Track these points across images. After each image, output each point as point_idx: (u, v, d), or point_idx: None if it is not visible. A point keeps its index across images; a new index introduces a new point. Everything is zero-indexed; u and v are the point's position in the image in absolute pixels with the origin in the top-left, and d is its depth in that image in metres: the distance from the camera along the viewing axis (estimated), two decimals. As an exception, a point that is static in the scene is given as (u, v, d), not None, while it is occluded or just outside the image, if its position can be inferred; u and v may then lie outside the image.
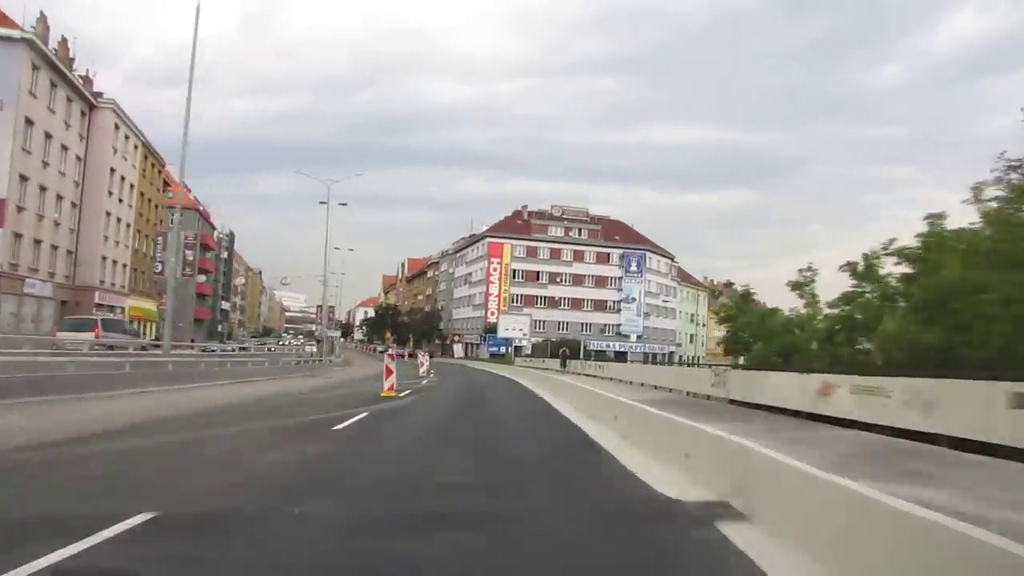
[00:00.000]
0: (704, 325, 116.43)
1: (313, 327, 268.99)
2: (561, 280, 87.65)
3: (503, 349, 69.01)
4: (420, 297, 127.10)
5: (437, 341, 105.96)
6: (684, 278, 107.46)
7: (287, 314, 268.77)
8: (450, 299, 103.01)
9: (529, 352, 63.65)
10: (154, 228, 59.30)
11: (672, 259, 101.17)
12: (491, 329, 71.61)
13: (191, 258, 65.72)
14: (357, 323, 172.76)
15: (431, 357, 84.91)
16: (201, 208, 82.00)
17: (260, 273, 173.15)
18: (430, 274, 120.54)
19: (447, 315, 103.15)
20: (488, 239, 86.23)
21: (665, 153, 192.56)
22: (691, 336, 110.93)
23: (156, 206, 59.79)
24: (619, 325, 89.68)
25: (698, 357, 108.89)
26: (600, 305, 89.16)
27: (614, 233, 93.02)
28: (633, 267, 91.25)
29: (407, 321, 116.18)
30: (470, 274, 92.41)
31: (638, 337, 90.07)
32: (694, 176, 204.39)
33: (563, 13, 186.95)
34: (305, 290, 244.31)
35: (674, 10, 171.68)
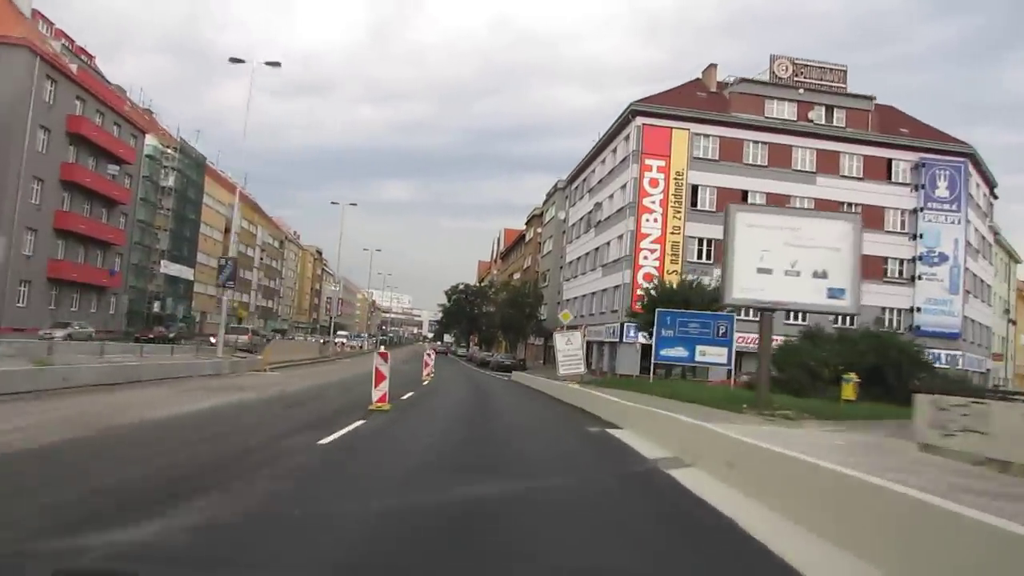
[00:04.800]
0: (1015, 322, 65.59)
1: (414, 330, 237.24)
2: (793, 210, 40.99)
3: (694, 354, 23.36)
4: (516, 276, 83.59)
5: (537, 340, 61.72)
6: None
7: (387, 315, 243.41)
8: (559, 265, 58.54)
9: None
10: None
11: (993, 189, 51.75)
12: (661, 300, 26.20)
13: None
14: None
15: (513, 369, 41.55)
16: (57, 55, 41.96)
17: (320, 253, 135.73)
18: (530, 235, 76.51)
19: (552, 294, 58.67)
20: (641, 120, 40.99)
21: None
22: (1002, 340, 60.70)
23: None
24: (915, 311, 42.06)
25: (1006, 381, 59.21)
26: (873, 268, 41.70)
27: (896, 124, 45.35)
28: (942, 190, 43.34)
29: (491, 311, 73.09)
30: (599, 207, 47.30)
31: (953, 336, 42.34)
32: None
33: (694, 18, 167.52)
34: (412, 291, 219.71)
35: (810, 12, 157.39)
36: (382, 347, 40.32)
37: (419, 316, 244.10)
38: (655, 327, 23.33)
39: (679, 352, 23.37)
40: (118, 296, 49.46)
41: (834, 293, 15.44)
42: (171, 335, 43.83)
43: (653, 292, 28.53)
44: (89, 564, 3.57)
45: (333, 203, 48.51)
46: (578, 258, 52.14)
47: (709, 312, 23.74)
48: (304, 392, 17.06)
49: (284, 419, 11.40)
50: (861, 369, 22.17)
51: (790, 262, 15.49)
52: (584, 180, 52.99)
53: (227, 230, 75.63)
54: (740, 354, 26.39)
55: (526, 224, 79.80)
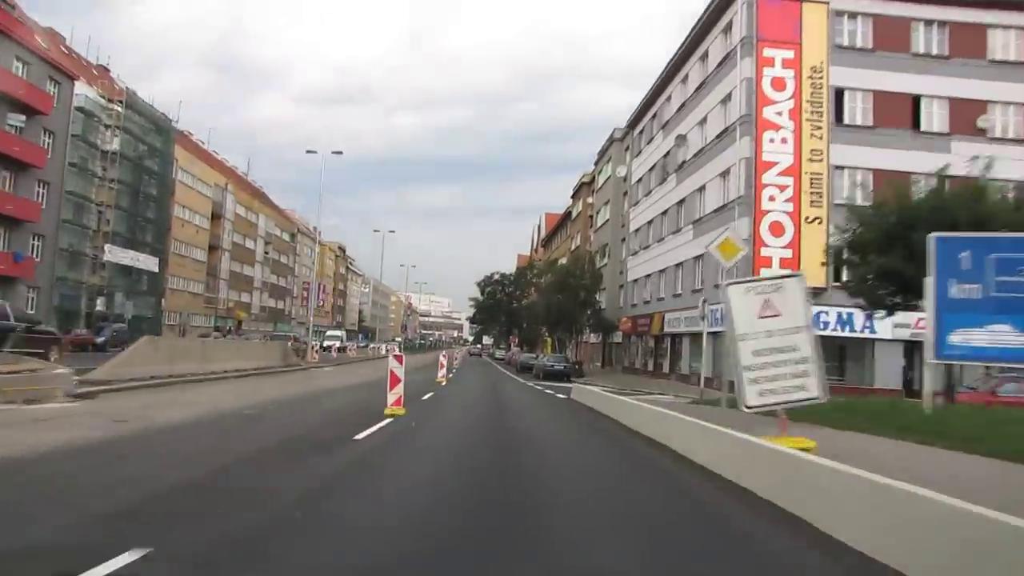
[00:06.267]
0: None
1: (454, 333, 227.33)
2: (997, 126, 26.60)
3: None
4: (561, 262, 69.69)
5: (593, 337, 48.04)
6: None
7: (426, 319, 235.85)
8: (619, 237, 44.65)
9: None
10: None
11: None
12: (907, 222, 12.18)
13: None
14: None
15: (569, 376, 28.10)
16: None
17: (343, 251, 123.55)
18: (578, 208, 62.64)
19: (611, 275, 44.74)
20: (751, -10, 26.80)
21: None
22: None
23: None
24: None
25: None
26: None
27: None
28: None
29: (533, 301, 59.92)
30: (682, 141, 33.11)
31: None
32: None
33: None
34: (452, 295, 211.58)
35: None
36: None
37: (459, 320, 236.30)
38: (937, 277, 9.40)
39: (1004, 334, 9.36)
40: (37, 290, 37.32)
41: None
42: (100, 340, 31.38)
43: (876, 214, 13.93)
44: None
45: (309, 151, 31.24)
46: (649, 222, 38.17)
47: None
48: None
49: None
50: None
51: None
52: (654, 116, 39.02)
53: (215, 216, 63.72)
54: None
55: (572, 197, 65.90)
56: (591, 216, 55.83)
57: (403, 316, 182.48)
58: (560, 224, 73.07)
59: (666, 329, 33.06)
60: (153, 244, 48.82)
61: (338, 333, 59.02)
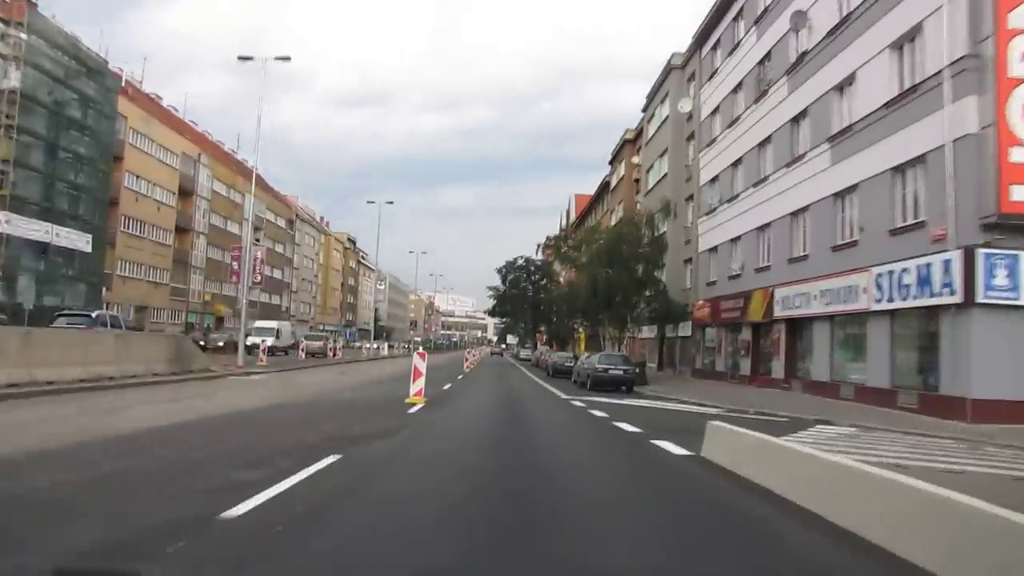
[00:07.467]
0: None
1: (478, 334, 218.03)
2: None
3: None
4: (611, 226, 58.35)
5: (645, 329, 36.83)
6: None
7: (448, 319, 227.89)
8: (682, 196, 33.33)
9: None
10: None
11: None
12: None
13: None
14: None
15: (629, 384, 16.70)
16: None
17: (354, 243, 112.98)
18: (619, 175, 51.27)
19: (676, 245, 33.26)
20: None
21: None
22: None
23: None
24: None
25: None
26: None
27: None
28: None
29: (569, 282, 49.32)
30: (800, 20, 21.59)
31: None
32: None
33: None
34: (475, 294, 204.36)
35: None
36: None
37: (483, 320, 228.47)
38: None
39: None
40: None
41: None
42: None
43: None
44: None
45: (242, 57, 20.49)
46: (735, 162, 26.79)
47: None
48: None
49: None
50: None
51: None
52: (737, 16, 27.62)
53: (185, 192, 53.53)
54: None
55: (611, 162, 54.57)
56: (637, 180, 44.44)
57: (423, 314, 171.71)
58: (596, 199, 61.74)
59: (777, 313, 21.72)
60: (87, 218, 38.59)
61: (271, 325, 43.47)
